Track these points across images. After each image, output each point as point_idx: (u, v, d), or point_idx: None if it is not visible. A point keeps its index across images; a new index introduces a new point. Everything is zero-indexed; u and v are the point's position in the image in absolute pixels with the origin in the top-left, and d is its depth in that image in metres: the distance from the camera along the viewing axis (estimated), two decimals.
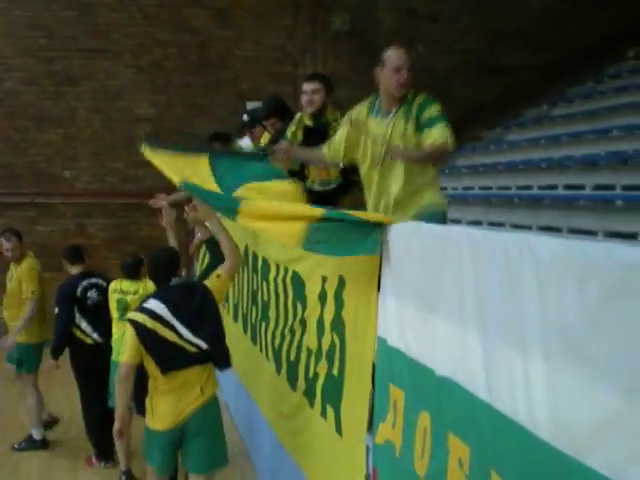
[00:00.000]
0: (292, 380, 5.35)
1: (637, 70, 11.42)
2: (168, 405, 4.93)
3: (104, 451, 7.13)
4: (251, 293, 7.02)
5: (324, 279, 4.57)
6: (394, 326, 3.48)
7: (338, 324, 4.30)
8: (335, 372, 4.38)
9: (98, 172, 12.32)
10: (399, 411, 3.38)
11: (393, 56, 4.60)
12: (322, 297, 4.60)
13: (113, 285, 6.88)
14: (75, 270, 7.37)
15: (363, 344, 3.89)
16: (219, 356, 5.10)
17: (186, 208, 6.00)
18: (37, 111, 12.20)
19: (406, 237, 3.37)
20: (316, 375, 4.76)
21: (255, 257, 6.85)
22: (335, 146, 5.05)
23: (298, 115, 6.01)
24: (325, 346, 4.58)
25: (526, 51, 12.73)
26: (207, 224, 6.16)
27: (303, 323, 5.09)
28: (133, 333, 4.87)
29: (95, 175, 12.35)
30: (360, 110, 4.90)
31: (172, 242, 6.45)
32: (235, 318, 7.90)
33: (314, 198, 5.59)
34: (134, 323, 4.88)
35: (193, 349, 4.90)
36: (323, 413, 4.58)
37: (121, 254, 12.24)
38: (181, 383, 4.92)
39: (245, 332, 7.29)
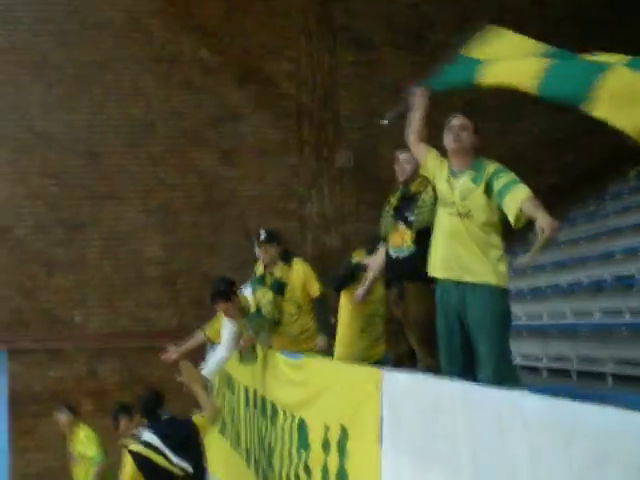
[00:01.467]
0: None
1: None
2: None
3: None
4: (259, 438, 6.98)
5: (327, 428, 4.53)
6: None
7: (342, 476, 4.23)
8: None
9: (109, 315, 12.38)
10: None
11: (452, 118, 4.91)
12: (325, 446, 4.55)
13: None
14: None
15: None
16: (200, 478, 6.10)
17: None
18: (47, 257, 12.38)
19: (403, 390, 3.36)
20: None
21: (264, 401, 6.85)
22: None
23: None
24: None
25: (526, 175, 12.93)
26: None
27: (308, 471, 5.02)
28: (132, 462, 5.81)
29: (106, 318, 12.40)
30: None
31: (202, 398, 6.63)
32: (248, 463, 7.81)
33: (389, 264, 5.76)
34: (133, 453, 5.84)
35: (181, 472, 5.85)
36: None
37: (132, 396, 12.21)
38: None
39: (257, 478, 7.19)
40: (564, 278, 9.92)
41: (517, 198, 4.45)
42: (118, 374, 12.37)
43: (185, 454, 5.92)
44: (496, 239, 4.75)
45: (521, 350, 8.86)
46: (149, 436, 5.96)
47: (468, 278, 4.64)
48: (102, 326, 12.36)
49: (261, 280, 7.33)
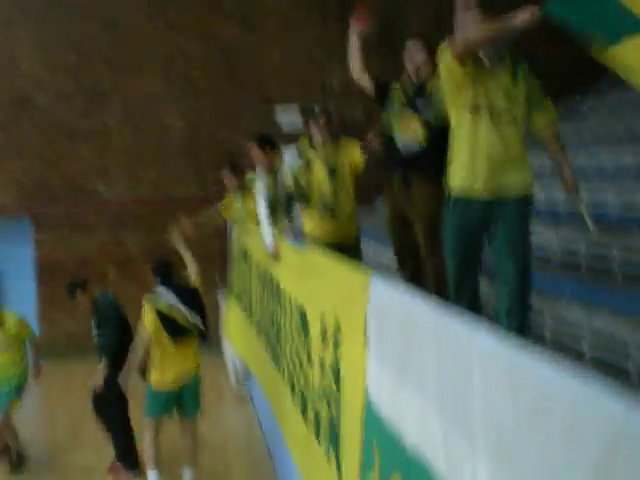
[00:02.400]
0: (303, 409, 5.41)
1: None
2: (176, 367, 6.94)
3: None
4: (270, 313, 7.13)
5: (323, 321, 4.61)
6: (376, 384, 3.50)
7: (336, 367, 4.33)
8: (334, 414, 4.41)
9: (131, 184, 12.48)
10: (377, 468, 3.40)
11: None
12: (323, 337, 4.64)
13: None
14: None
15: (354, 393, 3.91)
16: (205, 333, 7.13)
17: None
18: (69, 127, 12.40)
19: (386, 302, 3.39)
20: (319, 412, 4.80)
21: (272, 280, 6.99)
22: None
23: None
24: (325, 386, 4.62)
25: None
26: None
27: (309, 357, 5.14)
28: (152, 316, 6.83)
29: (128, 187, 12.50)
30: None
31: (187, 258, 7.90)
32: (259, 334, 8.01)
33: (393, 153, 5.61)
34: (152, 309, 6.86)
35: (193, 328, 6.97)
36: (327, 453, 4.62)
37: None
38: (184, 352, 6.96)
39: (267, 350, 7.39)
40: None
41: (549, 116, 4.56)
42: (141, 242, 12.57)
43: (195, 312, 6.97)
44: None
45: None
46: (166, 294, 6.91)
47: (507, 192, 4.56)
48: (125, 195, 12.48)
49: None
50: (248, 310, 9.08)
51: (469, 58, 4.44)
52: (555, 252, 6.13)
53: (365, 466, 3.72)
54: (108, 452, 7.71)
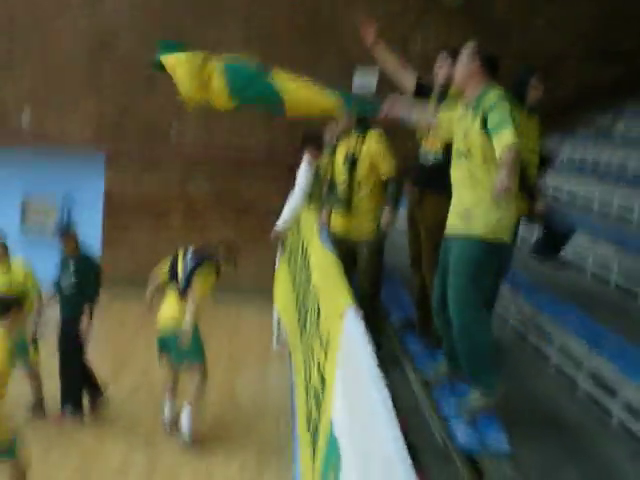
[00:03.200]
0: (306, 394, 5.62)
1: None
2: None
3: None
4: (304, 290, 7.35)
5: (326, 315, 4.83)
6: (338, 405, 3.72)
7: (322, 372, 4.53)
8: (315, 416, 4.63)
9: (203, 132, 12.75)
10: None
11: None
12: (322, 334, 4.84)
13: None
14: None
15: (327, 407, 4.11)
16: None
17: None
18: (148, 69, 12.65)
19: (352, 337, 3.57)
20: (312, 409, 5.02)
21: (308, 259, 7.21)
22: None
23: None
24: (316, 383, 4.82)
25: None
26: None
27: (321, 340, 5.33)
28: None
29: (201, 135, 12.78)
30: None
31: None
32: (296, 305, 8.26)
33: (416, 167, 5.80)
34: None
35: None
36: (311, 445, 4.82)
37: (221, 213, 12.84)
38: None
39: (298, 323, 7.64)
40: None
41: (500, 144, 4.24)
42: (208, 188, 12.90)
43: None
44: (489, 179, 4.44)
45: None
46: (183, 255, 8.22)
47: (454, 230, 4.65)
48: (197, 142, 12.77)
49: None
50: (293, 277, 9.32)
51: None
52: None
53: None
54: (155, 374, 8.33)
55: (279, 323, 10.15)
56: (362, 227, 6.51)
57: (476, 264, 4.51)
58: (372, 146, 6.41)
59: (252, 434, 7.83)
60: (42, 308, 8.06)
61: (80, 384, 8.13)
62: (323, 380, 4.51)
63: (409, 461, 2.22)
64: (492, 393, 4.59)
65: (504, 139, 4.22)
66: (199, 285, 7.83)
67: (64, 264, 8.16)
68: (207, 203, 12.89)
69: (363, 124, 6.47)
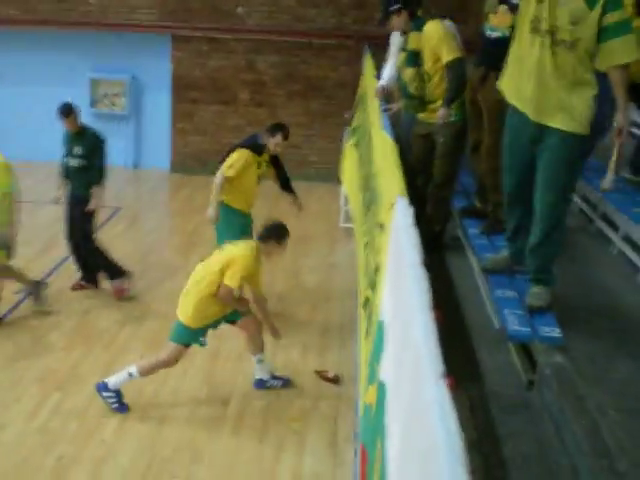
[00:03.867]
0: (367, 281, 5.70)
1: None
2: None
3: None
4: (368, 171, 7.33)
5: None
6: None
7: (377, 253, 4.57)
8: (372, 299, 4.69)
9: (270, 10, 12.51)
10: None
11: None
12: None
13: None
14: None
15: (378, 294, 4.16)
16: None
17: None
18: None
19: (401, 226, 3.57)
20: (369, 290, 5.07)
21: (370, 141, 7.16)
22: None
23: None
24: (370, 267, 4.88)
25: None
26: None
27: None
28: None
29: (267, 12, 12.55)
30: None
31: None
32: (360, 184, 8.25)
33: (484, 42, 5.77)
34: None
35: None
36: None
37: (288, 91, 12.75)
38: None
39: (363, 202, 7.65)
40: None
41: (614, 54, 4.09)
42: (275, 68, 12.74)
43: None
44: (593, 76, 4.32)
45: None
46: None
47: (551, 123, 4.40)
48: (263, 20, 12.54)
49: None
50: (359, 155, 9.25)
51: None
52: None
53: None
54: None
55: (346, 201, 10.14)
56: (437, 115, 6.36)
57: (577, 155, 4.47)
58: (430, 36, 6.25)
59: (316, 315, 7.95)
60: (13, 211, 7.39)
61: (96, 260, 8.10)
62: (377, 264, 4.55)
63: (438, 356, 2.23)
64: (550, 290, 4.66)
65: (622, 51, 4.10)
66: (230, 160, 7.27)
67: (69, 143, 7.89)
68: (274, 78, 12.75)
69: (418, 20, 6.39)
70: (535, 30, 4.28)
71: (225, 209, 7.30)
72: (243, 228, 7.30)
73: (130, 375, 5.95)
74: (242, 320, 6.17)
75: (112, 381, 5.95)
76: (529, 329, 4.32)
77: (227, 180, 7.19)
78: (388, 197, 4.37)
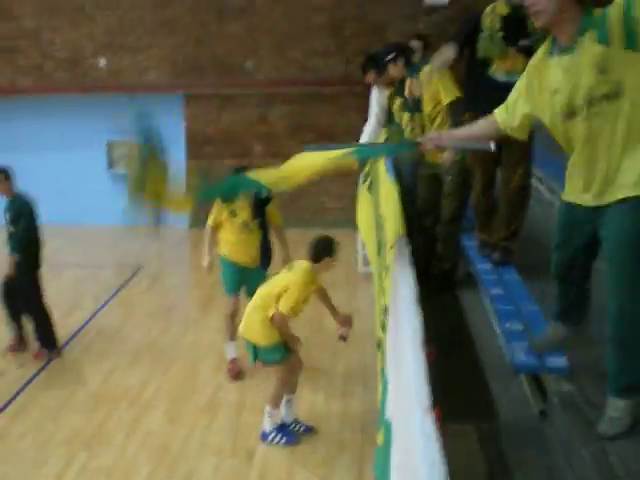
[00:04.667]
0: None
1: None
2: None
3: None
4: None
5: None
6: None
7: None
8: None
9: (277, 62, 12.74)
10: None
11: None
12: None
13: None
14: None
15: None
16: None
17: None
18: (219, 5, 12.69)
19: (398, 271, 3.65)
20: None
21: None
22: (511, 105, 4.00)
23: (490, 6, 5.78)
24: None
25: None
26: None
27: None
28: None
29: (275, 65, 12.78)
30: (539, 53, 3.79)
31: None
32: (375, 227, 8.33)
33: (493, 87, 5.35)
34: None
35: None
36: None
37: (300, 141, 12.91)
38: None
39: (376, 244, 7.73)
40: None
41: None
42: (287, 119, 12.96)
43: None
44: None
45: None
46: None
47: (615, 196, 3.54)
48: (271, 73, 12.77)
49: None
50: (373, 201, 9.34)
51: None
52: None
53: None
54: None
55: (364, 246, 10.21)
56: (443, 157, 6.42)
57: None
58: (428, 81, 6.32)
59: (339, 361, 7.97)
60: None
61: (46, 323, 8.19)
62: (386, 305, 4.63)
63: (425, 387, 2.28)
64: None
65: None
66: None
67: (4, 209, 7.98)
68: (287, 130, 12.95)
69: (412, 67, 6.58)
70: (570, 116, 3.59)
71: (221, 261, 7.42)
72: (235, 284, 7.40)
73: (269, 414, 6.23)
74: (278, 363, 6.18)
75: (266, 427, 6.25)
76: (535, 361, 4.35)
77: (212, 230, 7.30)
78: (390, 238, 4.46)
